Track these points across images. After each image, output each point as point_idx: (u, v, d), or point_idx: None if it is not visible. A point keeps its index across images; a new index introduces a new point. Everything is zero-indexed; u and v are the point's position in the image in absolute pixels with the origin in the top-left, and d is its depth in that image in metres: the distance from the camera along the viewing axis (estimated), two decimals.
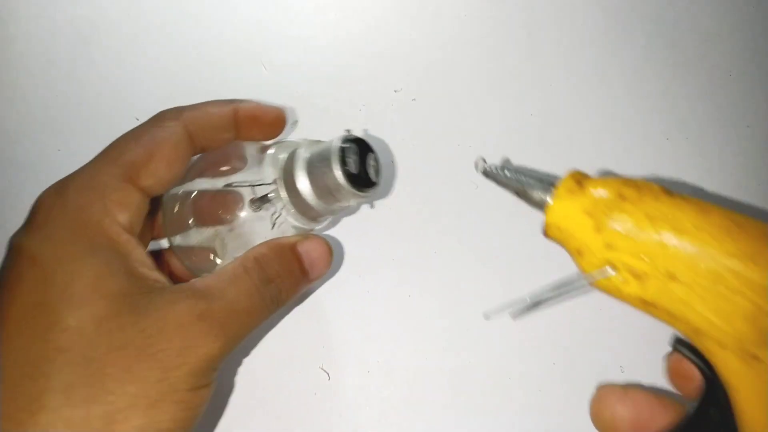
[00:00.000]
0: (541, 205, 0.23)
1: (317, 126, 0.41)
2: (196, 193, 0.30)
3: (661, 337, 0.37)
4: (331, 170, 0.27)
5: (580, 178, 0.23)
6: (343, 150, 0.27)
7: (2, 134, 0.42)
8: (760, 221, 0.21)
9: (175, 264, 0.33)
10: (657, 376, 0.36)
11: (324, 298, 0.37)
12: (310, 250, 0.30)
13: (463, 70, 0.43)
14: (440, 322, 0.36)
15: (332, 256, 0.31)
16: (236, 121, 0.31)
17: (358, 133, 0.29)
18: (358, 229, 0.38)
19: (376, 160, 0.29)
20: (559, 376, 0.35)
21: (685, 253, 0.20)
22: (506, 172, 0.24)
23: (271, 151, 0.31)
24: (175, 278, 0.32)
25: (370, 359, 0.36)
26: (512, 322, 0.36)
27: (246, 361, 0.35)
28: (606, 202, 0.21)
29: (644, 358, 0.37)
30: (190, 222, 0.30)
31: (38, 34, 0.44)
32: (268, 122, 0.32)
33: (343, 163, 0.27)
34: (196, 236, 0.30)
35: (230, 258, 0.29)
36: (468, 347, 0.36)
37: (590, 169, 0.41)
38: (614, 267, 0.21)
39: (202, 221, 0.30)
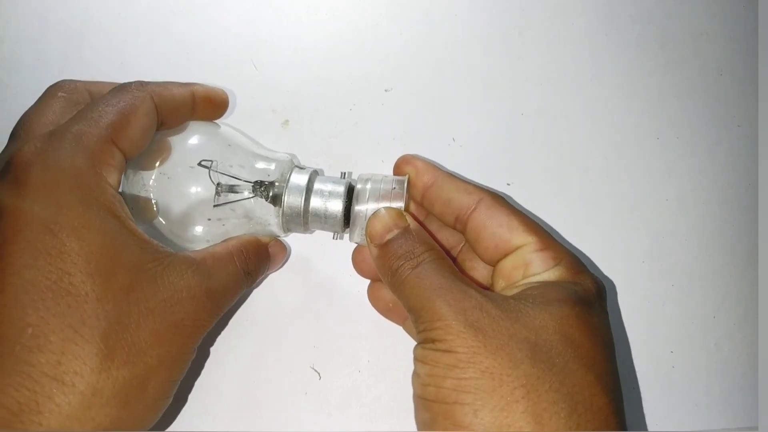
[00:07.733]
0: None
1: (307, 125, 0.41)
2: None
3: (653, 343, 0.38)
4: (337, 203, 0.32)
5: None
6: (350, 191, 0.32)
7: None
8: None
9: None
10: (649, 377, 0.37)
11: (315, 298, 0.37)
12: (276, 253, 0.35)
13: (454, 70, 0.43)
14: None
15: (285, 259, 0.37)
16: (194, 101, 0.33)
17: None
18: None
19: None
20: None
21: None
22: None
23: (275, 163, 0.33)
24: None
25: (360, 359, 0.36)
26: None
27: (237, 361, 0.35)
28: None
29: (630, 360, 0.37)
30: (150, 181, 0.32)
31: (28, 34, 0.44)
32: (217, 103, 0.34)
33: (348, 201, 0.32)
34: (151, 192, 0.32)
35: (174, 220, 0.32)
36: None
37: (581, 169, 0.41)
38: None
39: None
